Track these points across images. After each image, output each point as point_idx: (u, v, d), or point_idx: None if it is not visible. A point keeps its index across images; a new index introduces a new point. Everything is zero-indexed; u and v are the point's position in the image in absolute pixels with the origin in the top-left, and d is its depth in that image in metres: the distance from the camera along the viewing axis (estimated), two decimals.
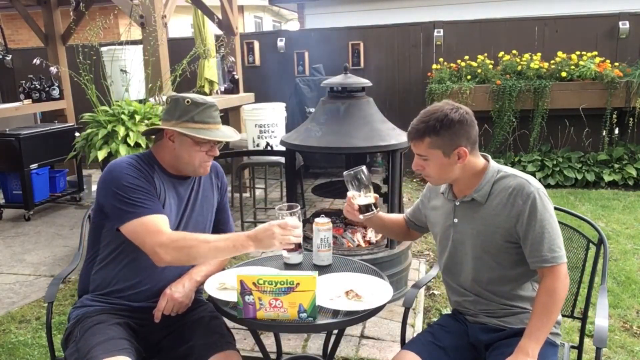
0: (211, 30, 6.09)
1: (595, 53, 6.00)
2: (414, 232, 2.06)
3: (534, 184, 1.64)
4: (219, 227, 1.99)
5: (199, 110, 1.75)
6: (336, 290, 1.72)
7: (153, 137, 1.87)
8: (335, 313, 1.61)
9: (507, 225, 1.64)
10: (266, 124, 5.11)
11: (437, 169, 1.68)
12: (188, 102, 1.75)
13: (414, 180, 6.41)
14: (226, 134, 1.82)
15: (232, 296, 1.64)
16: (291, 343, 2.67)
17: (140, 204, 1.65)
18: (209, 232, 1.92)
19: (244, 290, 1.53)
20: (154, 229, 1.62)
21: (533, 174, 5.87)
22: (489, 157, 1.75)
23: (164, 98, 4.00)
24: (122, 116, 3.72)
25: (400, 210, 3.13)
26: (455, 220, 1.77)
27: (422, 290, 3.23)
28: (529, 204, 1.60)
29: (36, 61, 4.29)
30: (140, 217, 1.63)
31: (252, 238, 1.62)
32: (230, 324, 1.76)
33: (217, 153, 1.82)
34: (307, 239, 2.75)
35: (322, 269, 1.92)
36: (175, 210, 1.80)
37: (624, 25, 6.11)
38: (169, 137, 1.78)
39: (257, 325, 1.60)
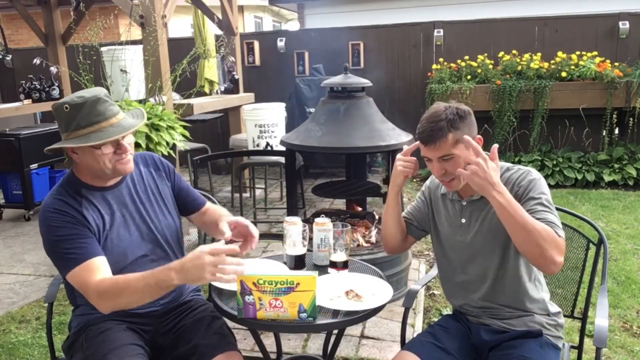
0: (211, 30, 6.10)
1: (595, 53, 6.00)
2: (410, 238, 1.96)
3: (535, 174, 1.65)
4: (193, 207, 1.91)
5: (82, 112, 1.57)
6: (336, 290, 1.72)
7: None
8: (335, 313, 1.61)
9: None
10: (266, 124, 5.12)
11: (460, 165, 1.61)
12: (67, 108, 1.57)
13: (414, 180, 6.41)
14: (124, 125, 1.62)
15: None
16: (291, 343, 2.67)
17: (70, 255, 1.55)
18: (177, 225, 1.85)
19: (244, 290, 1.53)
20: (82, 281, 1.54)
21: None
22: None
23: (164, 98, 4.00)
24: None
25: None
26: (463, 220, 1.75)
27: (422, 290, 3.23)
28: (531, 184, 1.61)
29: (36, 61, 4.28)
30: (72, 269, 1.55)
31: (176, 270, 1.44)
32: (230, 324, 1.76)
33: (128, 148, 1.63)
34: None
35: (322, 269, 1.93)
36: (127, 220, 1.71)
37: (624, 25, 6.11)
38: (70, 151, 1.64)
39: (257, 325, 1.60)
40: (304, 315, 1.53)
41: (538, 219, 1.52)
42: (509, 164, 1.73)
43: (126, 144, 1.63)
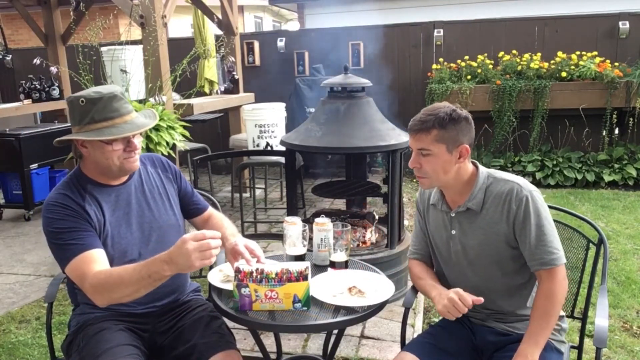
0: (211, 30, 6.09)
1: (595, 53, 6.00)
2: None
3: (526, 187, 1.62)
4: (195, 212, 1.93)
5: (97, 107, 1.59)
6: (339, 287, 1.73)
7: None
8: (337, 310, 1.62)
9: (506, 232, 1.63)
10: (266, 124, 5.11)
11: (436, 166, 1.63)
12: (83, 101, 1.59)
13: (414, 180, 6.41)
14: (137, 123, 1.65)
15: None
16: (291, 343, 2.67)
17: (69, 246, 1.56)
18: (181, 225, 1.85)
19: (240, 283, 1.55)
20: (80, 273, 1.54)
21: (533, 174, 5.89)
22: (477, 162, 1.74)
23: (164, 98, 4.00)
24: None
25: (400, 210, 3.13)
26: (453, 231, 1.74)
27: None
28: (523, 208, 1.59)
29: (36, 61, 4.28)
30: (71, 260, 1.56)
31: (166, 261, 1.43)
32: (230, 323, 1.76)
33: (137, 146, 1.67)
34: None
35: (323, 269, 1.93)
36: (130, 219, 1.72)
37: (624, 25, 6.11)
38: (80, 144, 1.65)
39: (256, 324, 1.61)
40: (298, 305, 1.57)
41: (541, 263, 1.59)
42: (492, 172, 1.71)
43: (136, 142, 1.67)
